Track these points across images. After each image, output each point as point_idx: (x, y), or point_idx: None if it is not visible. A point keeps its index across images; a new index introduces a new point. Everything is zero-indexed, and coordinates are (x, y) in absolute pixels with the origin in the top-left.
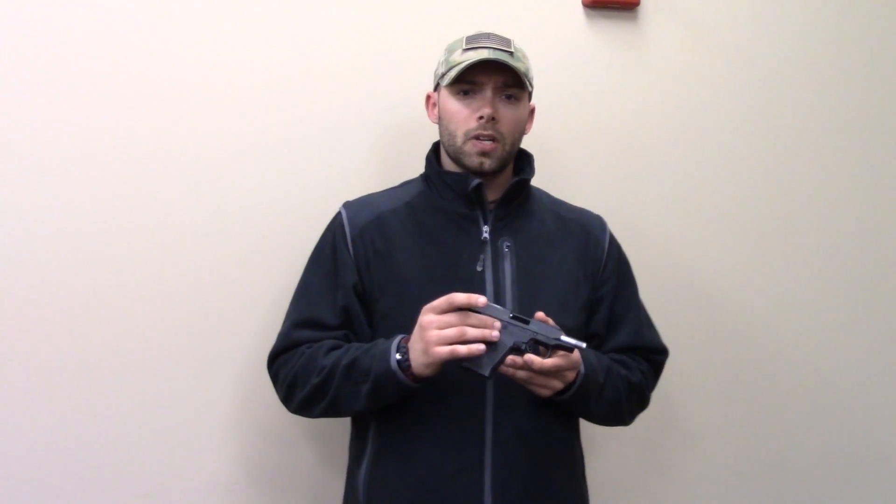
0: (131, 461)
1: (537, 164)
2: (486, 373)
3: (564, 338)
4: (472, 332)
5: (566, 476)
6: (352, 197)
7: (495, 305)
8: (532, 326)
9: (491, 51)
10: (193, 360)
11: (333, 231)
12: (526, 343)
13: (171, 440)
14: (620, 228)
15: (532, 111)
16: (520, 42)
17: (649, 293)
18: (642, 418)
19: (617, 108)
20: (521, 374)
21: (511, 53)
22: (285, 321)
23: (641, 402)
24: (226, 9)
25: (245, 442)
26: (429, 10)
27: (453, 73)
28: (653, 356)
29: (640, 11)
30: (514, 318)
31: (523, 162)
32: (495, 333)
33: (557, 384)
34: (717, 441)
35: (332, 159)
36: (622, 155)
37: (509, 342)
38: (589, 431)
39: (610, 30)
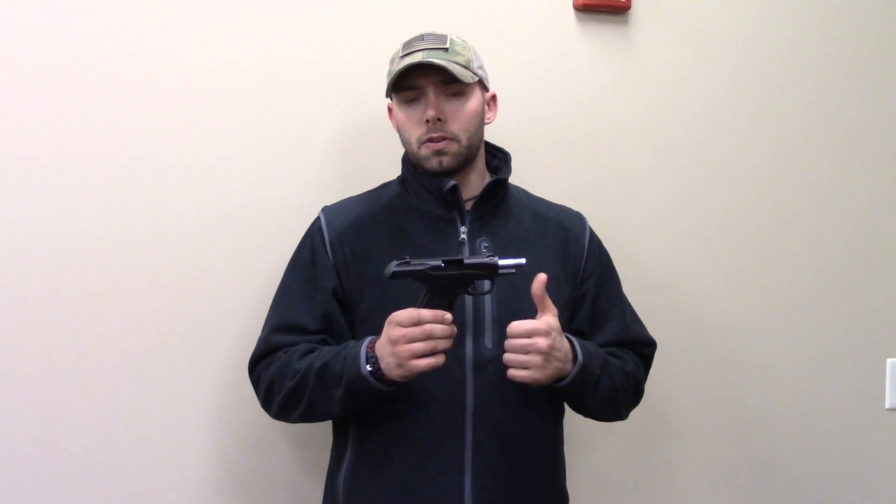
0: (118, 462)
1: (525, 167)
2: None
3: (502, 261)
4: (443, 345)
5: (547, 476)
6: (332, 201)
7: (425, 261)
8: (467, 261)
9: (424, 52)
10: (176, 363)
11: (312, 236)
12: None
13: (157, 442)
14: (610, 231)
15: (493, 98)
16: (509, 43)
17: (637, 294)
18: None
19: (608, 110)
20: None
21: (446, 50)
22: (265, 326)
23: (636, 394)
24: (201, 16)
25: (227, 445)
26: (412, 13)
27: (388, 85)
28: (641, 349)
29: (631, 15)
30: (446, 262)
31: (500, 161)
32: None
33: (535, 359)
34: (702, 440)
35: (313, 163)
36: (612, 158)
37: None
38: (570, 429)
39: (601, 33)
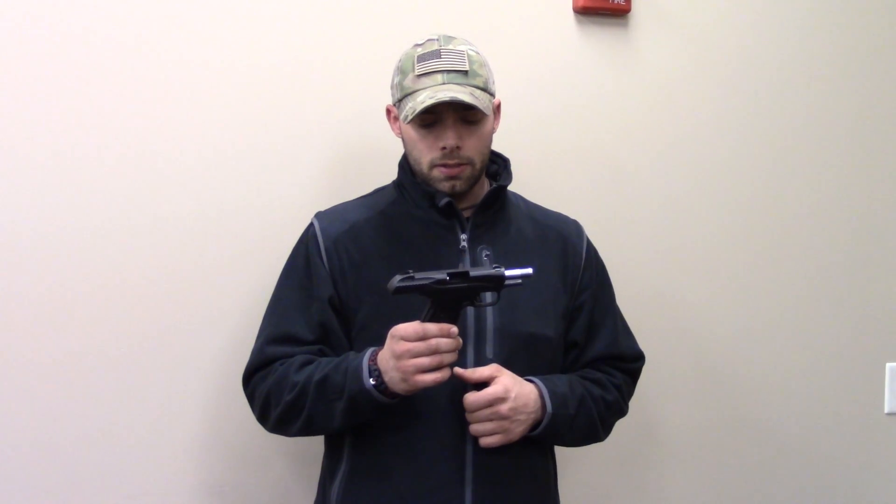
0: (109, 467)
1: (524, 172)
2: None
3: (508, 272)
4: (449, 359)
5: (543, 488)
6: (324, 206)
7: (429, 274)
8: (473, 273)
9: (444, 75)
10: (167, 371)
11: (306, 243)
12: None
13: (146, 450)
14: (607, 237)
15: (498, 107)
16: (508, 46)
17: (632, 306)
18: (616, 429)
19: (607, 114)
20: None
21: (465, 73)
22: (259, 337)
23: (619, 414)
24: (198, 18)
25: (217, 453)
26: (411, 16)
27: (408, 112)
28: (629, 364)
29: (631, 18)
30: (451, 275)
31: (499, 167)
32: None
33: (502, 424)
34: (699, 446)
35: (304, 167)
36: (611, 162)
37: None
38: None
39: (600, 36)
